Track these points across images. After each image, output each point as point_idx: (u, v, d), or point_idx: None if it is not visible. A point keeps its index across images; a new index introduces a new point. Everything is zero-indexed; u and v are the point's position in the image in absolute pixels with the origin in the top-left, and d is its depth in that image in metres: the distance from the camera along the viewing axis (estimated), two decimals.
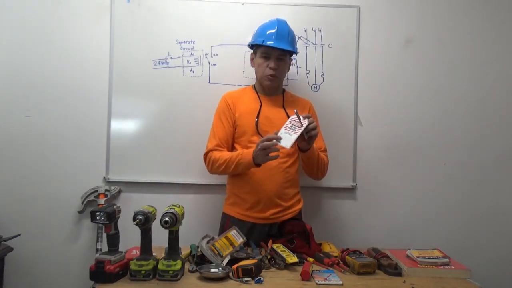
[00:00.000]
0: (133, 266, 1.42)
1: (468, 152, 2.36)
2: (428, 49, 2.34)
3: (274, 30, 1.90)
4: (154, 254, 1.49)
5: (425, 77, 2.34)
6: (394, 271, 1.54)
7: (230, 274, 1.46)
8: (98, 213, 1.43)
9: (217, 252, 1.56)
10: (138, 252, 1.50)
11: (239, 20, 2.26)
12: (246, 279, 1.43)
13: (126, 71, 2.24)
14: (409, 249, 1.71)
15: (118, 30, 2.23)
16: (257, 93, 2.01)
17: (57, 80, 2.23)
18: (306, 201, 2.05)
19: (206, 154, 1.95)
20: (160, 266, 1.42)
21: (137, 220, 1.40)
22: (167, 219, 1.39)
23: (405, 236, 2.30)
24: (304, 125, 1.67)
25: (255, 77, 2.06)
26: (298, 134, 1.64)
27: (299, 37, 2.23)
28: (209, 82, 2.26)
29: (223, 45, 2.26)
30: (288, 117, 1.79)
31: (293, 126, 1.68)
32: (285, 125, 1.70)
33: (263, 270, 1.53)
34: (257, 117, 1.92)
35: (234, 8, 2.26)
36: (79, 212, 2.23)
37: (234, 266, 1.46)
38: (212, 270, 1.48)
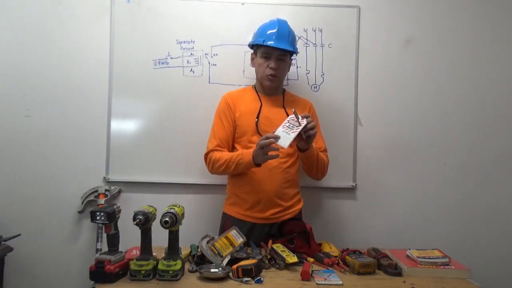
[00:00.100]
0: (133, 266, 1.42)
1: (468, 152, 2.36)
2: (428, 49, 2.34)
3: (274, 30, 1.90)
4: (154, 254, 1.49)
5: (425, 77, 2.34)
6: (394, 271, 1.54)
7: (230, 274, 1.46)
8: (98, 213, 1.43)
9: (217, 252, 1.56)
10: (138, 252, 1.50)
11: (239, 20, 2.26)
12: (246, 279, 1.43)
13: (126, 71, 2.24)
14: (409, 249, 1.71)
15: (118, 30, 2.23)
16: (257, 93, 2.01)
17: (57, 80, 2.23)
18: (306, 201, 2.05)
19: (206, 155, 1.95)
20: (160, 266, 1.42)
21: (137, 220, 1.40)
22: (167, 219, 1.39)
23: (405, 236, 2.29)
24: (302, 125, 1.66)
25: (255, 77, 2.06)
26: (296, 133, 1.64)
27: (299, 37, 2.23)
28: (209, 82, 2.26)
29: (223, 45, 2.26)
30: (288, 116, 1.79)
31: (291, 125, 1.68)
32: (283, 124, 1.69)
33: (263, 270, 1.53)
34: (257, 117, 1.92)
35: (234, 8, 2.26)
36: (79, 212, 2.23)
37: (234, 266, 1.46)
38: (212, 270, 1.48)
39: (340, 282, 1.44)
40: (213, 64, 2.26)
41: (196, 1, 2.25)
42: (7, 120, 2.23)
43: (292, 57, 2.04)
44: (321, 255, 1.67)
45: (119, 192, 2.25)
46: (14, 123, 2.22)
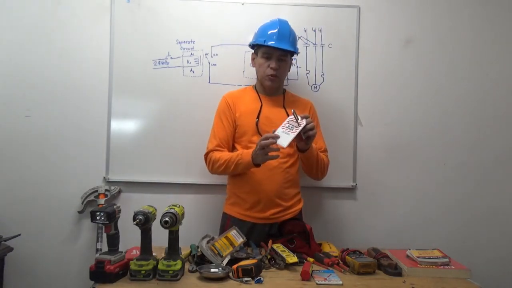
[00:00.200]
0: (133, 266, 1.42)
1: (468, 152, 2.36)
2: (428, 49, 2.34)
3: (275, 30, 1.90)
4: (154, 254, 1.49)
5: (425, 77, 2.34)
6: (394, 271, 1.54)
7: (230, 274, 1.46)
8: (98, 213, 1.43)
9: (217, 252, 1.56)
10: (138, 252, 1.50)
11: (239, 20, 2.26)
12: (246, 279, 1.43)
13: (126, 71, 2.24)
14: (409, 249, 1.71)
15: (118, 30, 2.23)
16: (257, 93, 2.01)
17: (57, 80, 2.23)
18: (306, 201, 2.05)
19: (206, 155, 1.95)
20: (160, 266, 1.42)
21: (137, 220, 1.40)
22: (167, 219, 1.39)
23: (405, 236, 2.29)
24: (302, 125, 1.66)
25: (255, 77, 2.06)
26: (295, 133, 1.64)
27: (299, 37, 2.23)
28: (209, 82, 2.26)
29: (223, 45, 2.26)
30: (288, 117, 1.79)
31: (291, 126, 1.68)
32: (282, 125, 1.70)
33: (263, 270, 1.53)
34: (258, 117, 1.92)
35: (234, 8, 2.26)
36: (79, 212, 2.23)
37: (234, 266, 1.46)
38: (212, 270, 1.48)
39: (340, 282, 1.44)
40: (213, 64, 2.26)
41: (196, 1, 2.25)
42: (7, 120, 2.23)
43: (293, 57, 2.04)
44: (321, 255, 1.67)
45: (119, 192, 2.25)
46: (14, 123, 2.22)
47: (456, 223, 2.35)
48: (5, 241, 2.06)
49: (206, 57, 2.25)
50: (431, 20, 2.34)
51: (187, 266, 1.53)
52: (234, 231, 1.70)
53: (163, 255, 1.52)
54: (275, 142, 1.63)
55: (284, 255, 1.60)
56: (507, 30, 2.37)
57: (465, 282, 1.52)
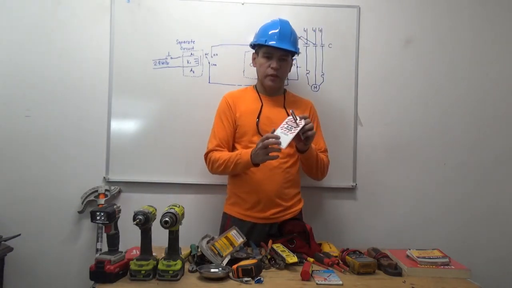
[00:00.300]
0: (133, 266, 1.42)
1: (468, 152, 2.36)
2: (428, 49, 2.34)
3: (276, 30, 1.90)
4: (154, 254, 1.49)
5: (425, 77, 2.34)
6: (394, 271, 1.54)
7: (230, 274, 1.46)
8: (98, 213, 1.43)
9: (217, 252, 1.56)
10: (138, 252, 1.50)
11: (239, 20, 2.26)
12: (246, 279, 1.43)
13: (126, 71, 2.24)
14: (409, 249, 1.71)
15: (118, 30, 2.23)
16: (258, 93, 2.01)
17: (57, 80, 2.23)
18: (306, 201, 2.05)
19: (206, 154, 1.95)
20: (160, 266, 1.42)
21: (137, 220, 1.40)
22: (167, 219, 1.39)
23: (405, 236, 2.29)
24: (300, 126, 1.66)
25: (255, 77, 2.07)
26: (294, 134, 1.63)
27: (299, 37, 2.22)
28: (209, 82, 2.26)
29: (223, 45, 2.26)
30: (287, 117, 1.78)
31: (290, 126, 1.67)
32: (281, 125, 1.69)
33: (263, 270, 1.53)
34: (258, 117, 1.92)
35: (234, 8, 2.26)
36: (79, 212, 2.23)
37: (234, 266, 1.46)
38: (212, 270, 1.48)
39: (340, 282, 1.44)
40: (213, 64, 2.26)
41: (196, 1, 2.25)
42: (7, 120, 2.23)
43: (293, 58, 2.04)
44: (321, 255, 1.67)
45: (119, 192, 2.25)
46: (14, 123, 2.22)
47: (456, 223, 2.35)
48: (5, 241, 2.06)
49: (206, 57, 2.25)
50: (431, 20, 2.35)
51: (187, 266, 1.53)
52: (234, 231, 1.70)
53: (163, 255, 1.52)
54: (278, 142, 1.63)
55: (284, 255, 1.60)
56: (507, 30, 2.37)
57: (465, 282, 1.52)
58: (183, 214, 1.50)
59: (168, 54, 2.24)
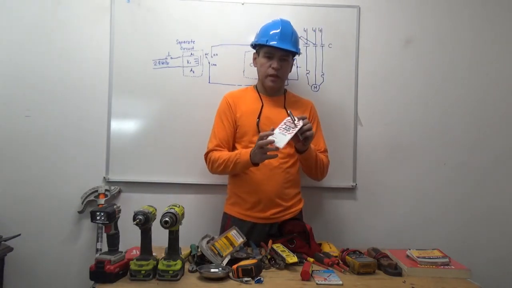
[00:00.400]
0: (133, 266, 1.42)
1: (468, 152, 2.36)
2: (428, 49, 2.34)
3: (278, 31, 1.90)
4: (154, 254, 1.49)
5: (425, 77, 2.34)
6: (394, 271, 1.54)
7: (230, 274, 1.46)
8: (98, 213, 1.43)
9: (217, 252, 1.56)
10: (138, 252, 1.50)
11: (239, 20, 2.26)
12: (246, 279, 1.43)
13: (126, 71, 2.24)
14: (409, 249, 1.71)
15: (118, 30, 2.23)
16: (258, 93, 2.01)
17: (57, 80, 2.23)
18: (306, 201, 2.05)
19: (206, 154, 1.95)
20: (160, 266, 1.42)
21: (137, 220, 1.40)
22: (167, 219, 1.39)
23: (405, 236, 2.29)
24: (298, 126, 1.66)
25: (255, 77, 2.07)
26: (292, 134, 1.63)
27: (299, 37, 2.23)
28: (209, 82, 2.26)
29: (223, 45, 2.26)
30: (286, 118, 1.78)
31: (288, 127, 1.67)
32: (279, 126, 1.69)
33: (263, 270, 1.53)
34: (258, 117, 1.92)
35: (234, 8, 2.26)
36: (79, 212, 2.23)
37: (234, 266, 1.46)
38: (212, 270, 1.48)
39: (340, 282, 1.44)
40: (213, 64, 2.26)
41: (196, 1, 2.25)
42: (7, 120, 2.23)
43: (294, 58, 2.03)
44: (321, 255, 1.67)
45: (119, 192, 2.25)
46: (14, 123, 2.22)
47: (456, 223, 2.35)
48: (5, 241, 2.06)
49: (206, 57, 2.25)
50: (431, 20, 2.35)
51: (187, 266, 1.53)
52: (234, 231, 1.70)
53: (163, 255, 1.52)
54: (273, 142, 1.63)
55: (284, 255, 1.60)
56: (507, 30, 2.37)
57: (465, 282, 1.52)
58: (183, 214, 1.50)
59: (168, 54, 2.24)
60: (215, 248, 1.57)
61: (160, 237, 1.52)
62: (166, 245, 1.49)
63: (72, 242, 2.26)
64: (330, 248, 1.81)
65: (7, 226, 2.16)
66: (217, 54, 2.25)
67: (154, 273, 1.43)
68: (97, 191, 2.22)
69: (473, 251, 2.30)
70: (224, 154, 1.88)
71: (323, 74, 2.29)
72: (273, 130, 1.67)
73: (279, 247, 1.67)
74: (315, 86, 2.29)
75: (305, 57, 2.27)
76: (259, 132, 1.88)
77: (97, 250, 2.18)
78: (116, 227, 1.49)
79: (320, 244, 1.86)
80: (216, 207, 2.14)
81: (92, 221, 1.45)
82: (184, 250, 1.66)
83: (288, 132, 1.65)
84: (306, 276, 1.46)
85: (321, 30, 2.29)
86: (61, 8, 2.24)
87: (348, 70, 2.30)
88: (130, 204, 1.85)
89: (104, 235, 1.55)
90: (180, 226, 1.48)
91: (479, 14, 2.36)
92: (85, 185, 2.23)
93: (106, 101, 2.24)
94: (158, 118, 2.26)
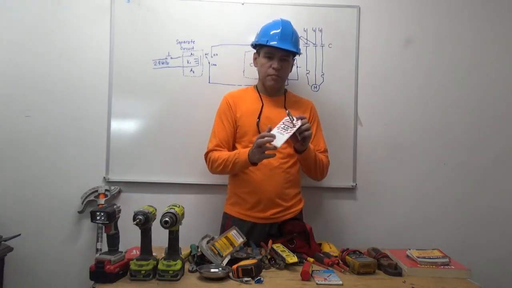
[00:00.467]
0: (133, 266, 1.42)
1: (468, 152, 2.36)
2: (428, 49, 2.34)
3: (278, 31, 1.89)
4: (154, 254, 1.49)
5: (425, 77, 2.34)
6: (394, 271, 1.54)
7: (230, 274, 1.46)
8: (98, 213, 1.43)
9: (217, 252, 1.56)
10: (138, 252, 1.50)
11: (239, 20, 2.26)
12: (246, 279, 1.43)
13: (126, 71, 2.24)
14: (409, 249, 1.71)
15: (118, 30, 2.23)
16: (259, 93, 2.01)
17: (57, 80, 2.23)
18: (306, 201, 2.05)
19: (206, 154, 1.96)
20: (160, 266, 1.42)
21: (137, 220, 1.40)
22: (167, 219, 1.39)
23: (405, 236, 2.29)
24: (297, 126, 1.66)
25: (255, 77, 2.07)
26: (290, 134, 1.63)
27: (299, 37, 2.23)
28: (209, 82, 2.26)
29: (223, 45, 2.26)
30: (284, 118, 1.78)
31: (286, 126, 1.67)
32: (278, 125, 1.69)
33: (263, 270, 1.53)
34: (259, 117, 1.92)
35: (234, 8, 2.26)
36: (79, 212, 2.23)
37: (234, 266, 1.46)
38: (212, 270, 1.48)
39: (340, 282, 1.44)
40: (213, 64, 2.26)
41: (196, 1, 2.25)
42: (7, 120, 2.23)
43: (294, 58, 2.03)
44: (321, 255, 1.67)
45: (119, 192, 2.25)
46: (14, 123, 2.22)
47: (456, 223, 2.35)
48: (5, 241, 2.06)
49: (206, 57, 2.25)
50: (431, 20, 2.35)
51: (187, 266, 1.53)
52: (234, 231, 1.70)
53: (163, 255, 1.52)
54: (272, 141, 1.63)
55: (284, 255, 1.60)
56: (507, 30, 2.37)
57: (465, 282, 1.52)
58: (183, 214, 1.50)
59: (168, 54, 2.24)
60: (215, 248, 1.57)
61: (160, 237, 1.52)
62: (166, 245, 1.49)
63: (72, 242, 2.26)
64: (330, 248, 1.81)
65: (7, 226, 2.16)
66: (217, 54, 2.25)
67: (154, 273, 1.43)
68: (97, 191, 2.22)
69: (473, 251, 2.30)
70: (223, 154, 1.88)
71: (323, 74, 2.30)
72: (269, 129, 1.67)
73: (279, 247, 1.67)
74: (315, 86, 2.29)
75: (305, 57, 2.27)
76: (259, 132, 1.88)
77: (97, 250, 2.18)
78: (116, 227, 1.49)
79: (320, 244, 1.86)
80: (216, 207, 2.14)
81: (92, 221, 1.45)
82: (184, 250, 1.66)
83: (286, 131, 1.65)
84: (306, 276, 1.46)
85: (321, 30, 2.29)
86: (61, 8, 2.24)
87: (348, 70, 2.30)
88: (130, 204, 1.85)
89: (104, 235, 1.55)
90: (180, 226, 1.48)
91: (479, 14, 2.36)
92: (85, 185, 2.23)
93: (106, 101, 2.24)
94: (158, 118, 2.26)
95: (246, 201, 1.92)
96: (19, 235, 2.08)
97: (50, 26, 2.23)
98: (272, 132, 1.66)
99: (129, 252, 1.59)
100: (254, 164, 1.77)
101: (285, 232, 1.84)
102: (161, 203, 1.55)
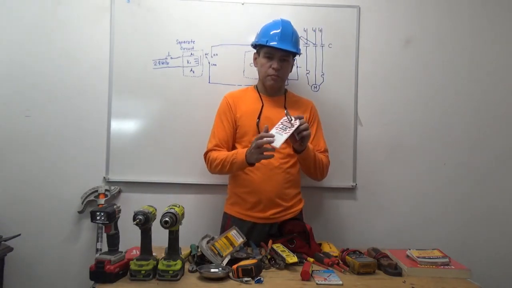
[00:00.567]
0: (133, 266, 1.42)
1: (468, 152, 2.36)
2: (428, 49, 2.34)
3: (278, 31, 1.89)
4: (154, 254, 1.49)
5: (425, 77, 2.34)
6: (394, 271, 1.54)
7: (230, 274, 1.46)
8: (98, 213, 1.43)
9: (217, 252, 1.56)
10: (138, 252, 1.50)
11: (239, 20, 2.26)
12: (246, 279, 1.43)
13: (126, 71, 2.24)
14: (409, 249, 1.71)
15: (118, 30, 2.23)
16: (259, 93, 2.01)
17: (57, 80, 2.23)
18: (306, 201, 2.05)
19: (205, 154, 1.96)
20: (160, 266, 1.42)
21: (137, 220, 1.40)
22: (167, 219, 1.39)
23: (405, 236, 2.29)
24: (295, 126, 1.66)
25: (255, 77, 2.07)
26: (289, 134, 1.63)
27: (299, 37, 2.23)
28: (209, 82, 2.26)
29: (223, 45, 2.26)
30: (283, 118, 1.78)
31: (284, 126, 1.67)
32: (276, 126, 1.69)
33: (263, 270, 1.53)
34: (258, 117, 1.92)
35: (234, 8, 2.26)
36: (79, 212, 2.23)
37: (234, 266, 1.46)
38: (212, 270, 1.48)
39: (340, 282, 1.44)
40: (213, 64, 2.26)
41: (196, 1, 2.25)
42: (7, 120, 2.23)
43: (294, 58, 2.03)
44: (321, 255, 1.67)
45: (119, 192, 2.25)
46: (14, 123, 2.22)
47: (456, 223, 2.35)
48: (5, 241, 2.06)
49: (206, 57, 2.25)
50: (431, 20, 2.35)
51: (187, 266, 1.53)
52: (234, 231, 1.70)
53: (163, 255, 1.52)
54: (272, 142, 1.62)
55: (284, 255, 1.60)
56: (507, 30, 2.37)
57: (465, 282, 1.52)
58: (183, 214, 1.50)
59: (168, 54, 2.24)
60: (215, 248, 1.57)
61: (160, 237, 1.52)
62: (166, 245, 1.49)
63: (72, 242, 2.26)
64: (330, 248, 1.81)
65: (7, 226, 2.16)
66: (217, 54, 2.25)
67: (154, 273, 1.43)
68: (97, 191, 2.22)
69: (473, 251, 2.30)
70: (222, 154, 1.88)
71: (323, 74, 2.30)
72: (266, 129, 1.67)
73: (279, 247, 1.67)
74: (315, 86, 2.29)
75: (305, 57, 2.27)
76: (259, 132, 1.88)
77: (97, 250, 2.18)
78: (116, 227, 1.49)
79: (320, 244, 1.86)
80: (216, 207, 2.14)
81: (92, 221, 1.45)
82: (184, 250, 1.66)
83: (285, 132, 1.65)
84: (306, 276, 1.46)
85: (321, 30, 2.29)
86: (61, 8, 2.24)
87: (348, 70, 2.30)
88: (130, 204, 1.85)
89: (104, 235, 1.55)
90: (180, 226, 1.48)
91: (479, 14, 2.36)
92: (85, 185, 2.23)
93: (106, 101, 2.24)
94: (158, 118, 2.26)
95: (246, 201, 1.92)
96: (19, 235, 2.08)
97: (50, 26, 2.23)
98: (270, 132, 1.66)
99: (129, 252, 1.59)
100: (251, 164, 1.77)
101: (285, 232, 1.84)
102: (161, 203, 1.55)
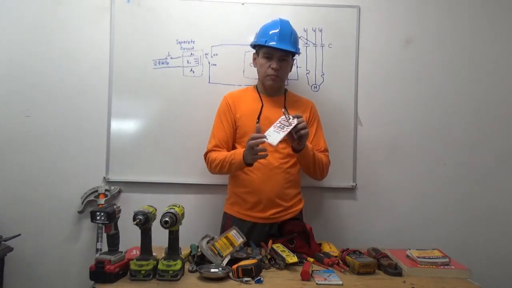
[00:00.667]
0: (133, 266, 1.42)
1: (468, 152, 2.36)
2: (428, 49, 2.34)
3: (277, 31, 1.89)
4: (154, 254, 1.49)
5: (425, 77, 2.34)
6: (394, 271, 1.54)
7: (230, 274, 1.46)
8: (98, 213, 1.43)
9: (217, 252, 1.56)
10: (138, 252, 1.50)
11: (239, 20, 2.26)
12: (246, 279, 1.43)
13: (126, 71, 2.24)
14: (409, 249, 1.71)
15: (118, 30, 2.23)
16: (258, 93, 2.01)
17: (57, 80, 2.23)
18: (306, 201, 2.05)
19: (205, 155, 1.96)
20: (160, 266, 1.42)
21: (137, 220, 1.40)
22: (167, 219, 1.39)
23: (405, 236, 2.29)
24: (293, 124, 1.66)
25: (255, 77, 2.07)
26: (286, 132, 1.64)
27: (299, 37, 2.22)
28: (209, 82, 2.26)
29: (223, 45, 2.26)
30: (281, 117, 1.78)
31: (282, 125, 1.68)
32: (274, 124, 1.70)
33: (263, 270, 1.53)
34: (258, 117, 1.92)
35: (234, 8, 2.26)
36: (79, 212, 2.23)
37: (234, 266, 1.46)
38: (212, 270, 1.48)
39: (340, 282, 1.44)
40: (213, 64, 2.26)
41: (196, 1, 2.25)
42: (7, 120, 2.23)
43: (294, 58, 2.03)
44: (321, 255, 1.67)
45: (119, 192, 2.25)
46: (14, 123, 2.22)
47: (456, 223, 2.35)
48: (5, 241, 2.06)
49: (206, 57, 2.25)
50: (431, 20, 2.34)
51: (187, 266, 1.53)
52: (234, 231, 1.70)
53: (163, 255, 1.52)
54: (263, 142, 1.63)
55: (284, 255, 1.60)
56: (507, 30, 2.37)
57: (465, 282, 1.52)
58: (183, 214, 1.50)
59: (168, 54, 2.24)
60: (215, 248, 1.57)
61: (160, 237, 1.52)
62: (166, 245, 1.49)
63: (72, 242, 2.26)
64: (330, 248, 1.81)
65: (7, 226, 2.16)
66: (217, 54, 2.25)
67: (154, 273, 1.43)
68: (97, 191, 2.22)
69: (473, 251, 2.30)
70: (221, 155, 1.88)
71: (323, 74, 2.30)
72: (258, 129, 1.68)
73: (279, 247, 1.67)
74: (315, 86, 2.29)
75: (305, 57, 2.27)
76: (258, 132, 1.88)
77: (97, 250, 2.18)
78: (116, 227, 1.49)
79: (320, 244, 1.86)
80: (216, 207, 2.14)
81: (92, 221, 1.45)
82: (184, 250, 1.66)
83: (282, 130, 1.65)
84: (306, 276, 1.46)
85: (321, 30, 2.29)
86: (61, 8, 2.24)
87: (348, 70, 2.30)
88: (130, 204, 1.84)
89: (104, 235, 1.55)
90: (180, 226, 1.48)
91: (479, 14, 2.36)
92: (85, 185, 2.23)
93: (106, 101, 2.24)
94: (158, 118, 2.26)
95: (246, 201, 1.92)
96: (19, 235, 2.08)
97: (50, 26, 2.23)
98: (268, 131, 1.66)
99: (129, 252, 1.59)
100: (249, 164, 1.77)
101: (285, 232, 1.84)
102: (161, 203, 1.55)
